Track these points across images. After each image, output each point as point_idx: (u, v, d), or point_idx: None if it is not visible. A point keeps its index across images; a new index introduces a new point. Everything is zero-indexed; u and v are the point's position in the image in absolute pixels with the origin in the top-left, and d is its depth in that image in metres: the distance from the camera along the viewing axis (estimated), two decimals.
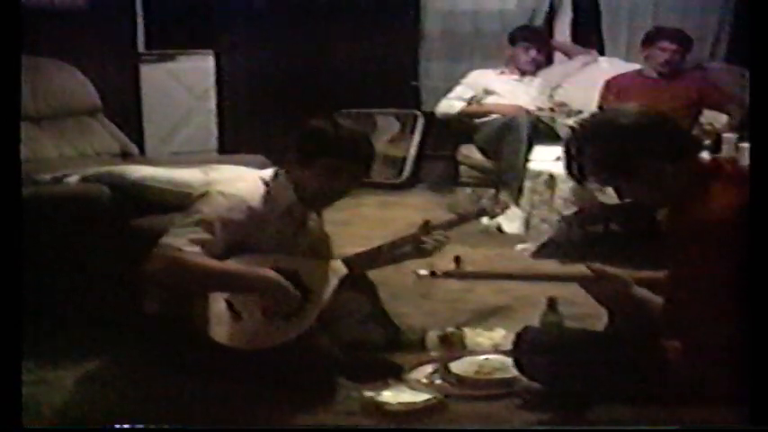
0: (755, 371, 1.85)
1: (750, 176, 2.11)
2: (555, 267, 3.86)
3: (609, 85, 5.07)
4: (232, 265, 2.57)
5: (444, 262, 2.79)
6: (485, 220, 3.57)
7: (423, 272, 2.73)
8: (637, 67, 5.19)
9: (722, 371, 2.09)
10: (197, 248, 2.50)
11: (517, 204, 4.53)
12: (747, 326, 1.92)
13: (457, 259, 2.75)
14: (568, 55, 5.82)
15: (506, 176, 4.88)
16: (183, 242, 2.49)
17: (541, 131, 4.97)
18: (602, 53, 5.79)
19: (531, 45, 5.51)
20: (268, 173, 2.74)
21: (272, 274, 2.55)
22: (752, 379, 1.85)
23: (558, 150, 4.53)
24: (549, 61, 5.75)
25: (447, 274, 2.71)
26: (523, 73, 5.53)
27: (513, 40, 5.55)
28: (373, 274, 3.03)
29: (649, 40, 5.02)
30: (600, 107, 4.84)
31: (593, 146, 2.30)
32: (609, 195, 4.06)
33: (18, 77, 2.00)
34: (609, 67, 5.48)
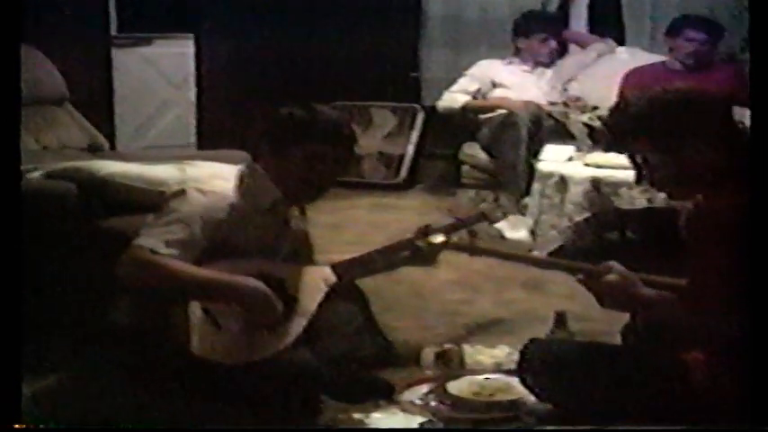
0: (756, 371, 1.89)
1: (750, 176, 2.15)
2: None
3: (628, 78, 5.10)
4: (212, 271, 2.59)
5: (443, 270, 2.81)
6: (485, 225, 3.58)
7: (436, 239, 2.74)
8: (661, 58, 5.21)
9: (739, 380, 2.12)
10: (174, 251, 2.52)
11: (519, 209, 4.55)
12: (749, 325, 1.96)
13: (472, 234, 2.76)
14: (583, 45, 5.83)
15: (505, 178, 4.91)
16: (158, 244, 2.51)
17: (553, 129, 5.00)
18: (621, 43, 5.81)
19: (549, 36, 5.51)
20: (245, 168, 2.77)
21: (254, 282, 2.57)
22: (752, 379, 1.89)
23: (570, 150, 4.60)
24: (562, 51, 5.76)
25: (458, 247, 2.73)
26: (535, 64, 5.55)
27: (527, 29, 5.54)
28: (364, 284, 3.06)
29: (675, 29, 5.05)
30: (618, 103, 4.86)
31: (640, 108, 2.32)
32: (625, 199, 4.13)
33: (18, 74, 2.04)
34: (629, 58, 5.50)
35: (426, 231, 2.89)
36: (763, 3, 2.21)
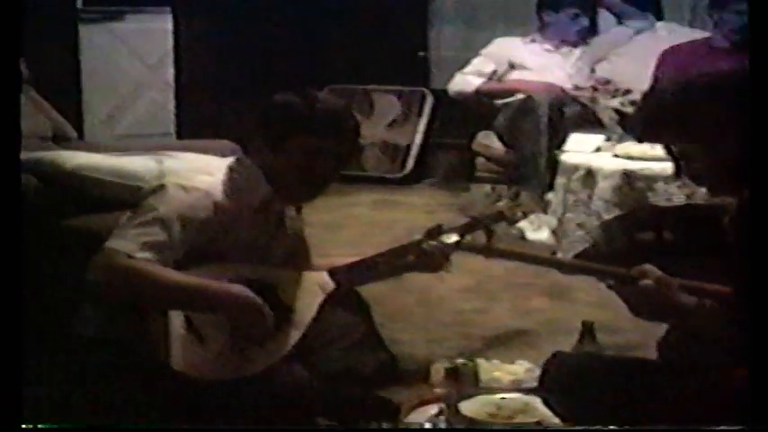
0: (755, 370, 1.92)
1: (750, 176, 2.16)
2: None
3: (666, 58, 5.09)
4: (194, 277, 2.60)
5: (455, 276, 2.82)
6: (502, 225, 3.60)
7: (449, 239, 2.75)
8: (704, 35, 5.21)
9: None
10: (150, 254, 2.53)
11: (541, 206, 4.57)
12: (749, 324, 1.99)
13: (489, 233, 2.77)
14: (618, 18, 5.81)
15: (525, 171, 4.93)
16: (133, 247, 2.52)
17: (579, 116, 5.01)
18: (659, 17, 5.81)
19: (580, 11, 5.52)
20: (234, 161, 2.78)
21: (241, 289, 2.58)
22: (752, 379, 1.92)
23: (599, 139, 4.62)
24: (592, 30, 5.76)
25: (473, 248, 2.73)
26: (561, 43, 5.56)
27: (557, 1, 5.56)
28: (366, 291, 3.07)
29: (720, 0, 5.05)
30: (653, 86, 4.87)
31: (678, 92, 2.33)
32: (661, 194, 4.15)
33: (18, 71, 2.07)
34: (668, 35, 5.50)
35: (436, 232, 2.90)
36: (763, 3, 2.23)
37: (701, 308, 2.34)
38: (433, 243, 2.86)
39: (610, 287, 2.43)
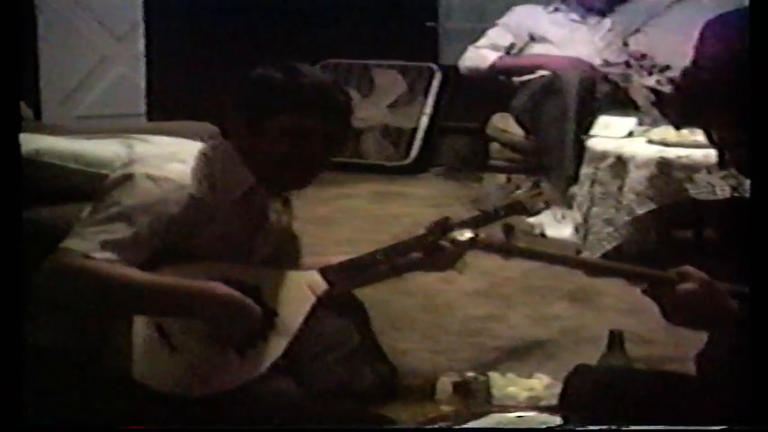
0: (756, 370, 1.94)
1: (750, 176, 2.18)
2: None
3: (709, 29, 5.11)
4: (164, 277, 2.61)
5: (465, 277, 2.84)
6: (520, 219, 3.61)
7: (462, 236, 2.75)
8: None
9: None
10: (112, 254, 2.53)
11: (566, 199, 4.58)
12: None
13: (508, 230, 2.76)
14: None
15: (548, 159, 4.94)
16: (92, 246, 2.52)
17: (609, 96, 5.03)
18: None
19: None
20: (210, 146, 2.80)
21: (221, 287, 2.59)
22: (752, 379, 1.94)
23: (631, 123, 4.63)
24: None
25: (490, 246, 2.72)
26: (588, 12, 5.57)
27: None
28: (364, 294, 3.09)
29: None
30: (695, 62, 4.88)
31: (722, 68, 2.34)
32: (702, 186, 4.16)
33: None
34: (712, 3, 5.52)
35: (444, 226, 2.90)
36: (763, 3, 2.26)
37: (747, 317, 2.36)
38: (443, 241, 2.86)
39: (645, 293, 2.43)
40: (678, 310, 2.36)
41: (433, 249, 2.88)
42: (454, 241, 2.81)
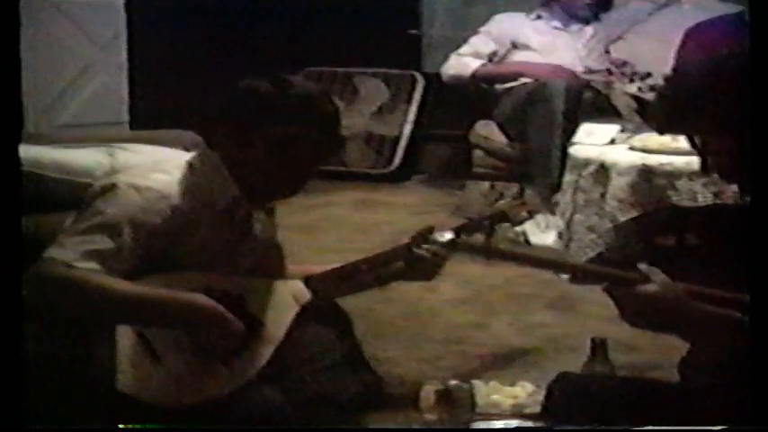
0: (755, 370, 1.95)
1: (750, 176, 2.19)
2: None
3: (691, 36, 5.12)
4: (146, 287, 2.61)
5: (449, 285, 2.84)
6: (504, 228, 3.63)
7: (443, 237, 2.75)
8: (736, 9, 5.22)
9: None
10: (94, 264, 2.53)
11: (550, 207, 4.59)
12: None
13: (489, 231, 2.76)
14: None
15: (533, 166, 4.95)
16: (75, 256, 2.52)
17: (591, 103, 5.04)
18: None
19: None
20: (195, 156, 2.80)
21: (202, 299, 2.59)
22: (752, 378, 1.96)
23: (613, 130, 4.64)
24: (606, 4, 5.79)
25: (471, 248, 2.73)
26: (570, 19, 5.58)
27: None
28: (347, 303, 3.09)
29: None
30: (676, 69, 4.89)
31: (704, 75, 2.34)
32: (684, 193, 4.16)
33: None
34: (694, 9, 5.53)
35: (427, 235, 2.92)
36: (763, 2, 2.27)
37: (722, 320, 2.35)
38: (426, 245, 2.87)
39: (605, 290, 2.41)
40: (636, 310, 2.34)
41: (416, 258, 2.89)
42: (435, 243, 2.83)
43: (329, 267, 2.93)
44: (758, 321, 2.04)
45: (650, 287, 2.32)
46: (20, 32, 2.33)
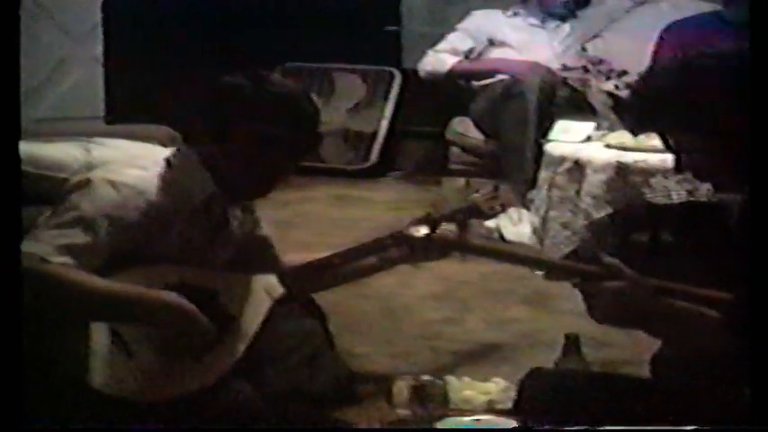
0: (755, 370, 1.97)
1: (750, 176, 2.21)
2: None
3: (668, 34, 5.13)
4: (119, 283, 2.61)
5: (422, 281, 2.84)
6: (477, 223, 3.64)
7: (418, 232, 2.76)
8: (714, 7, 5.23)
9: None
10: (68, 259, 2.53)
11: (524, 202, 4.60)
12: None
13: (462, 225, 2.76)
14: None
15: (507, 162, 4.97)
16: (49, 250, 2.52)
17: (567, 100, 5.06)
18: None
19: None
20: (172, 152, 2.80)
21: (172, 297, 2.59)
22: (752, 378, 1.97)
23: (589, 127, 4.66)
24: (584, 1, 5.80)
25: (446, 242, 2.73)
26: (547, 17, 5.60)
27: None
28: (322, 297, 3.10)
29: None
30: (652, 67, 4.90)
31: (678, 74, 2.35)
32: (659, 190, 4.18)
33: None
34: (671, 7, 5.55)
35: (402, 230, 2.92)
36: (763, 3, 2.29)
37: (693, 317, 2.37)
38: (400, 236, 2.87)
39: (575, 286, 2.41)
40: (603, 306, 2.35)
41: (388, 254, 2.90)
42: (409, 238, 2.83)
43: (303, 261, 2.94)
44: (758, 321, 2.04)
45: (616, 283, 2.33)
46: (20, 32, 2.33)
